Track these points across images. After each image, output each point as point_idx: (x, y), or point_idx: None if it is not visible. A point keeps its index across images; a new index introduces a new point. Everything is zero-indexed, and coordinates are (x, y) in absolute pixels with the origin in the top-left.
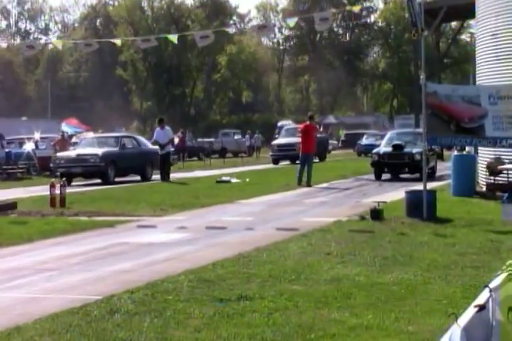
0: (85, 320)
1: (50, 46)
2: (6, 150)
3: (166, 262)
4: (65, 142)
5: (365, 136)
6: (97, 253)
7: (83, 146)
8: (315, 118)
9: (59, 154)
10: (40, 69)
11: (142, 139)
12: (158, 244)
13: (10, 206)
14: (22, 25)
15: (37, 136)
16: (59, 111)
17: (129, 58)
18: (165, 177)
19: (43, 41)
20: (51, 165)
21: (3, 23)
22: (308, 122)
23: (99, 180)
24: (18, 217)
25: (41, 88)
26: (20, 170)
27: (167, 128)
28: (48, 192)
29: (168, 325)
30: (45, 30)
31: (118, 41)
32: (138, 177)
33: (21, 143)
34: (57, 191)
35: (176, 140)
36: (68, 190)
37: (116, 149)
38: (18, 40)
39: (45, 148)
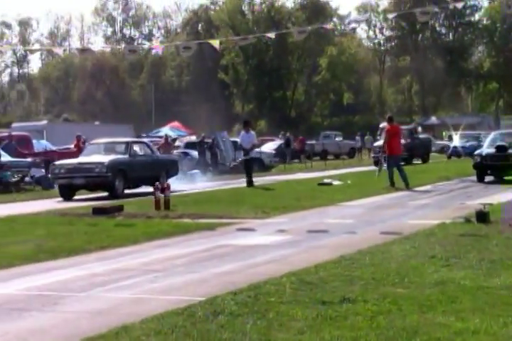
0: (190, 320)
1: (153, 51)
2: None
3: (267, 264)
4: (168, 145)
5: (455, 137)
6: (201, 255)
7: (88, 153)
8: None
9: (58, 162)
10: (144, 74)
11: (152, 146)
12: (260, 246)
13: (117, 208)
14: (127, 31)
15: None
16: (162, 115)
17: (230, 62)
18: (250, 183)
19: (146, 46)
20: (49, 175)
21: (109, 30)
22: (387, 123)
23: (105, 193)
24: (125, 219)
25: (145, 92)
26: None
27: (252, 132)
28: (153, 195)
29: (272, 327)
30: (149, 36)
31: (216, 43)
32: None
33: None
34: (162, 193)
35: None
36: (175, 193)
37: (125, 157)
38: (122, 46)
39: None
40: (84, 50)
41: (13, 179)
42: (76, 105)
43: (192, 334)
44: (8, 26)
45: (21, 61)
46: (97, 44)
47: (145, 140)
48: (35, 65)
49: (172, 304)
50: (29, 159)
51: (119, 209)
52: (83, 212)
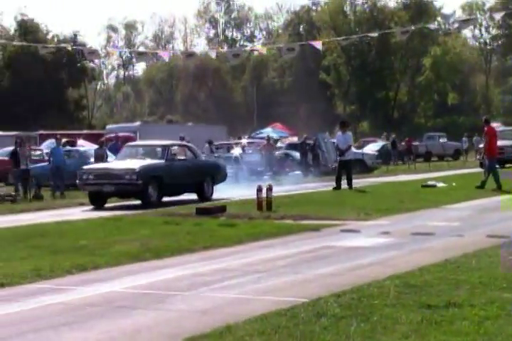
0: (293, 321)
1: (255, 53)
2: (215, 154)
3: (370, 267)
4: (270, 147)
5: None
6: (303, 256)
7: (122, 156)
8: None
9: (86, 167)
10: (246, 76)
11: (196, 149)
12: (362, 248)
13: (220, 209)
14: (229, 33)
15: (244, 141)
16: (264, 116)
17: (332, 62)
18: (349, 185)
19: (248, 48)
20: (77, 181)
21: (212, 32)
22: (485, 125)
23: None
24: (227, 219)
25: (247, 94)
26: (229, 175)
27: (349, 133)
28: (255, 196)
29: (376, 330)
30: (251, 38)
31: (319, 44)
32: (194, 196)
33: (229, 148)
34: (264, 194)
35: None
36: (276, 194)
37: (161, 162)
38: (225, 48)
39: (251, 152)
40: (189, 55)
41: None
42: (179, 106)
43: (295, 335)
44: (115, 30)
45: (127, 63)
46: (200, 46)
47: (197, 144)
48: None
49: (275, 305)
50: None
51: (222, 209)
52: (187, 212)
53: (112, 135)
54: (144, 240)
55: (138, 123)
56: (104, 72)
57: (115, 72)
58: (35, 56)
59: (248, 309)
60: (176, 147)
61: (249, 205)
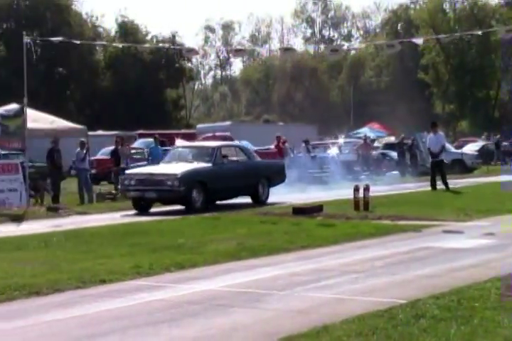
0: (391, 323)
1: (353, 52)
2: (312, 154)
3: (471, 268)
4: (367, 146)
5: None
6: (401, 257)
7: (168, 159)
8: None
9: (128, 172)
10: (343, 75)
11: (250, 149)
12: (462, 249)
13: (316, 209)
14: (326, 32)
15: (341, 140)
16: (360, 115)
17: (430, 61)
18: (445, 185)
19: (345, 47)
20: (119, 186)
21: (308, 31)
22: None
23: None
24: (324, 219)
25: (344, 93)
26: (325, 174)
27: (440, 133)
28: (352, 196)
29: (476, 333)
30: (348, 37)
31: (420, 41)
32: (248, 200)
33: (326, 148)
34: (361, 194)
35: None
36: (373, 194)
37: (208, 165)
38: (322, 48)
39: (348, 152)
40: (286, 49)
41: None
42: (276, 106)
43: (393, 336)
44: (212, 30)
45: (224, 64)
46: (297, 46)
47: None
48: (236, 67)
49: (373, 305)
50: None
51: (319, 209)
52: (283, 212)
53: (209, 134)
54: (240, 239)
55: (228, 122)
56: (202, 72)
57: (212, 72)
58: (135, 57)
59: (345, 309)
60: (225, 148)
61: (345, 205)
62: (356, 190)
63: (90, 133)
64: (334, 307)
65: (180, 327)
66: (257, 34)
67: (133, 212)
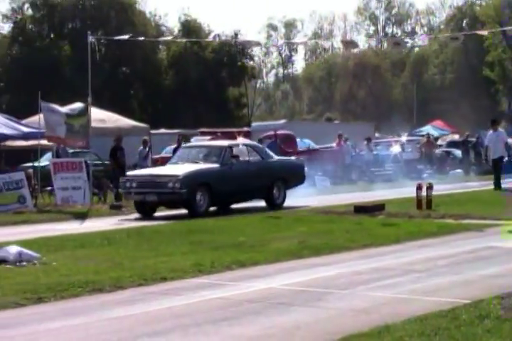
0: (454, 323)
1: (416, 49)
2: (374, 152)
3: None
4: (431, 144)
5: None
6: (465, 256)
7: (175, 160)
8: None
9: (130, 173)
10: (406, 73)
11: (264, 149)
12: None
13: (378, 207)
14: (389, 29)
15: (403, 138)
16: (424, 113)
17: (496, 58)
18: (497, 184)
19: (409, 44)
20: (120, 189)
21: (372, 29)
22: None
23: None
24: (386, 218)
25: (407, 91)
26: (387, 173)
27: (501, 130)
28: (415, 194)
29: None
30: (411, 34)
31: (484, 32)
32: (262, 204)
33: (388, 146)
34: (424, 193)
35: None
36: (436, 192)
37: (214, 166)
38: (385, 45)
39: (410, 150)
40: (349, 43)
41: None
42: (338, 104)
43: (456, 337)
44: (274, 28)
45: (286, 62)
46: (360, 43)
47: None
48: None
49: (435, 305)
50: (293, 157)
51: (381, 208)
52: (344, 211)
53: (271, 133)
54: (301, 237)
55: (283, 120)
56: (264, 71)
57: (274, 70)
58: (198, 56)
59: (407, 309)
60: (236, 147)
61: (408, 204)
62: (419, 188)
63: (153, 131)
64: (396, 307)
65: (241, 326)
66: (319, 32)
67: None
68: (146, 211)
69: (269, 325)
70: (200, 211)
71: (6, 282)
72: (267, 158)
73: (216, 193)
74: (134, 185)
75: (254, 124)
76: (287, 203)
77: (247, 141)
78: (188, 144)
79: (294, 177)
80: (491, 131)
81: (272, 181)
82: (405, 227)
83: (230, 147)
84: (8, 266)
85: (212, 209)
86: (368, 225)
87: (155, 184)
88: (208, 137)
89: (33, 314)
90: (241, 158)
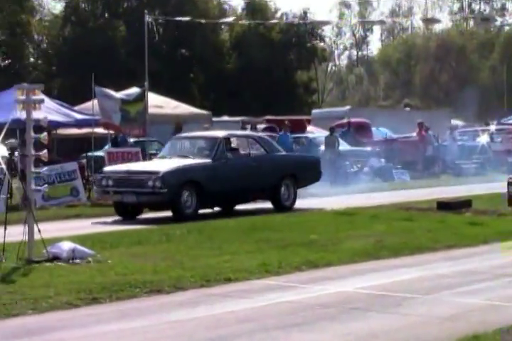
0: None
1: (506, 28)
2: (459, 143)
3: None
4: None
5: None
6: None
7: (163, 154)
8: None
9: (107, 169)
10: (495, 54)
11: (270, 141)
12: None
13: (465, 204)
14: (476, 6)
15: (492, 127)
16: None
17: None
18: None
19: (498, 23)
20: (94, 188)
21: (456, 6)
22: None
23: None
24: (473, 215)
25: (496, 75)
26: (474, 166)
27: None
28: (506, 190)
29: None
30: (501, 11)
31: None
32: (268, 205)
33: (475, 136)
34: None
35: None
36: None
37: (205, 161)
38: (471, 24)
39: (500, 140)
40: (430, 21)
41: (352, 169)
42: (418, 89)
43: None
44: (347, 6)
45: (360, 43)
46: (443, 21)
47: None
48: (374, 46)
49: None
50: (368, 148)
51: (467, 204)
52: (427, 207)
53: (344, 121)
54: (379, 236)
55: (347, 107)
56: (336, 53)
57: (347, 52)
58: (263, 36)
59: (498, 317)
60: (235, 139)
61: (497, 200)
62: (510, 183)
63: (215, 118)
64: (486, 315)
65: (313, 332)
66: (397, 9)
67: (262, 204)
68: (127, 212)
69: (343, 333)
70: (186, 214)
71: (58, 281)
72: (273, 152)
73: (208, 193)
74: (111, 183)
75: (314, 111)
76: (359, 200)
77: (252, 133)
78: (180, 135)
79: (307, 174)
80: None
81: (279, 179)
82: (494, 226)
83: (227, 138)
84: (60, 263)
85: (216, 209)
86: (453, 223)
87: (133, 182)
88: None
89: (87, 315)
90: (242, 152)
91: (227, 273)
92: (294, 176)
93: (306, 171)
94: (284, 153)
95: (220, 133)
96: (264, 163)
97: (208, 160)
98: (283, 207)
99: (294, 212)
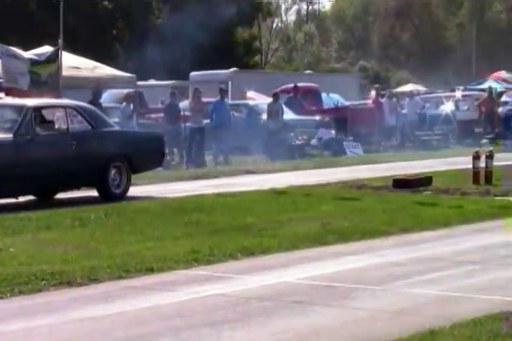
0: None
1: None
2: (418, 111)
3: None
4: (493, 101)
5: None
6: None
7: None
8: None
9: None
10: (463, 10)
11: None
12: None
13: (424, 181)
14: None
15: (458, 94)
16: (485, 62)
17: None
18: None
19: None
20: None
21: None
22: None
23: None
24: (433, 194)
25: (464, 34)
26: (436, 137)
27: None
28: (471, 165)
29: None
30: None
31: None
32: (92, 194)
33: (439, 103)
34: (483, 164)
35: None
36: (499, 163)
37: (5, 137)
38: None
39: (467, 109)
40: None
41: (297, 142)
42: (376, 50)
43: None
44: None
45: None
46: None
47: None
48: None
49: (492, 306)
50: (317, 117)
51: (427, 182)
52: (381, 185)
53: (290, 86)
54: (326, 219)
55: (232, 69)
56: (283, 7)
57: (296, 6)
58: None
59: (457, 310)
60: (50, 110)
61: (462, 177)
62: (476, 157)
63: (140, 82)
64: (443, 308)
65: (246, 330)
66: None
67: (191, 183)
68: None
69: (281, 329)
70: None
71: None
72: (101, 127)
73: (6, 178)
74: None
75: (193, 74)
76: (304, 177)
77: (74, 102)
78: None
79: (146, 155)
80: None
81: (106, 161)
82: (457, 207)
83: (37, 108)
84: None
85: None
86: (411, 204)
87: None
88: None
89: None
90: (58, 126)
91: (149, 263)
92: (128, 158)
93: (145, 152)
94: (116, 128)
95: (29, 102)
96: (86, 140)
97: (8, 136)
98: (111, 195)
99: (230, 192)
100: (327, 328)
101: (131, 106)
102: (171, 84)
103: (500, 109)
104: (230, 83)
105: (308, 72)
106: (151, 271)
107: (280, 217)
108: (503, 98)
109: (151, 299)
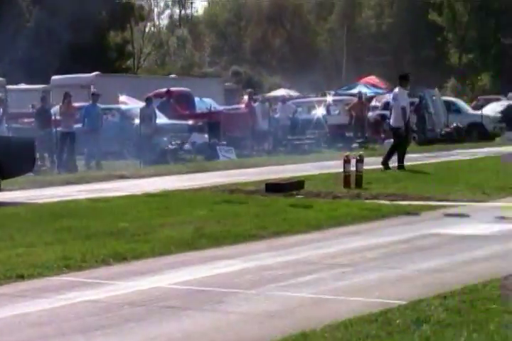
0: (386, 329)
1: None
2: (290, 115)
3: (487, 261)
4: (363, 106)
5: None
6: (400, 246)
7: None
8: None
9: None
10: (334, 16)
11: None
12: (476, 237)
13: (296, 185)
14: None
15: (329, 98)
16: (355, 67)
17: None
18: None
19: None
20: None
21: None
22: None
23: None
24: (305, 198)
25: (335, 39)
26: (308, 142)
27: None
28: (342, 169)
29: None
30: None
31: None
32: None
33: (310, 108)
34: (353, 167)
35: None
36: (369, 166)
37: None
38: None
39: (338, 113)
40: None
41: (170, 146)
42: (248, 55)
43: None
44: None
45: (184, 0)
46: None
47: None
48: (199, 5)
49: (363, 307)
50: (190, 121)
51: (299, 186)
52: (254, 189)
53: (163, 90)
54: (199, 223)
55: (94, 73)
56: (155, 11)
57: (169, 11)
58: None
59: (328, 312)
60: None
61: (333, 181)
62: (347, 161)
63: (10, 86)
64: (314, 310)
65: (119, 336)
66: None
67: (63, 188)
68: None
69: (154, 335)
70: None
71: None
72: None
73: None
74: None
75: (54, 78)
76: (177, 181)
77: None
78: None
79: (16, 160)
80: (396, 89)
81: None
82: (328, 210)
83: None
84: None
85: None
86: (283, 208)
87: None
88: None
89: None
90: None
91: (19, 269)
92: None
93: (15, 157)
94: None
95: None
96: None
97: None
98: None
99: (103, 197)
100: (200, 333)
101: (1, 110)
102: (42, 88)
103: (370, 114)
104: (92, 87)
105: (172, 76)
106: (21, 277)
107: (153, 221)
108: (373, 103)
109: (21, 306)
